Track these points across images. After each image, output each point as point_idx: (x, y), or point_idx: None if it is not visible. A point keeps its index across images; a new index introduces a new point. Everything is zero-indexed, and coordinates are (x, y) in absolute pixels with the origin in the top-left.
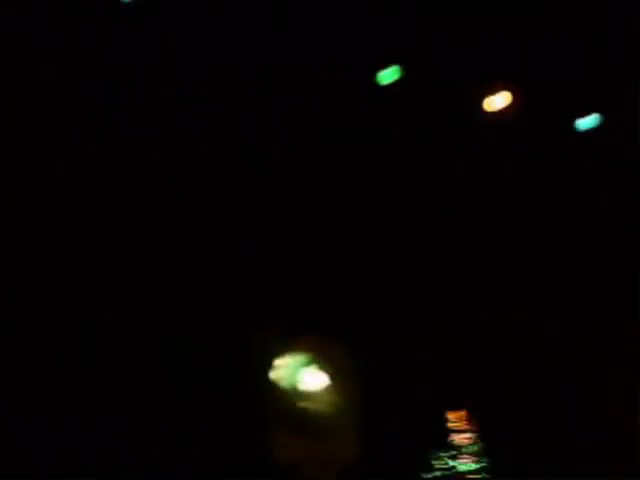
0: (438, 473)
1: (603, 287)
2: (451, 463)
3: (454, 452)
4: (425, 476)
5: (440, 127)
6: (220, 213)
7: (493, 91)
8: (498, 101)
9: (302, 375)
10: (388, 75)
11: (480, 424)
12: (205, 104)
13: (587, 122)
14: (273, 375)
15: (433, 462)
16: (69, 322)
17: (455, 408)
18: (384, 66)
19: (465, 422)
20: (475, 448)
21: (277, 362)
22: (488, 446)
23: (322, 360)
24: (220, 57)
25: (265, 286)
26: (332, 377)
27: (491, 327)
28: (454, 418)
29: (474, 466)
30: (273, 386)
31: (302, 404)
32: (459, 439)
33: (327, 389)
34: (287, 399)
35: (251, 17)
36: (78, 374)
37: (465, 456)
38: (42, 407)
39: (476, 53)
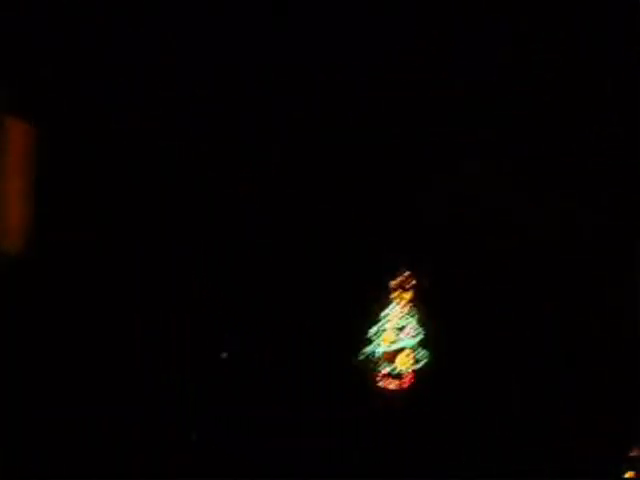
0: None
1: (603, 288)
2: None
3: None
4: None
5: (440, 127)
6: (219, 212)
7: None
8: None
9: None
10: None
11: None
12: (205, 104)
13: None
14: None
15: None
16: (69, 322)
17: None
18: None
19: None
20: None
21: None
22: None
23: None
24: (220, 57)
25: None
26: None
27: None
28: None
29: (413, 341)
30: None
31: None
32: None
33: None
34: None
35: (251, 17)
36: (78, 374)
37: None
38: (42, 407)
39: (475, 53)
